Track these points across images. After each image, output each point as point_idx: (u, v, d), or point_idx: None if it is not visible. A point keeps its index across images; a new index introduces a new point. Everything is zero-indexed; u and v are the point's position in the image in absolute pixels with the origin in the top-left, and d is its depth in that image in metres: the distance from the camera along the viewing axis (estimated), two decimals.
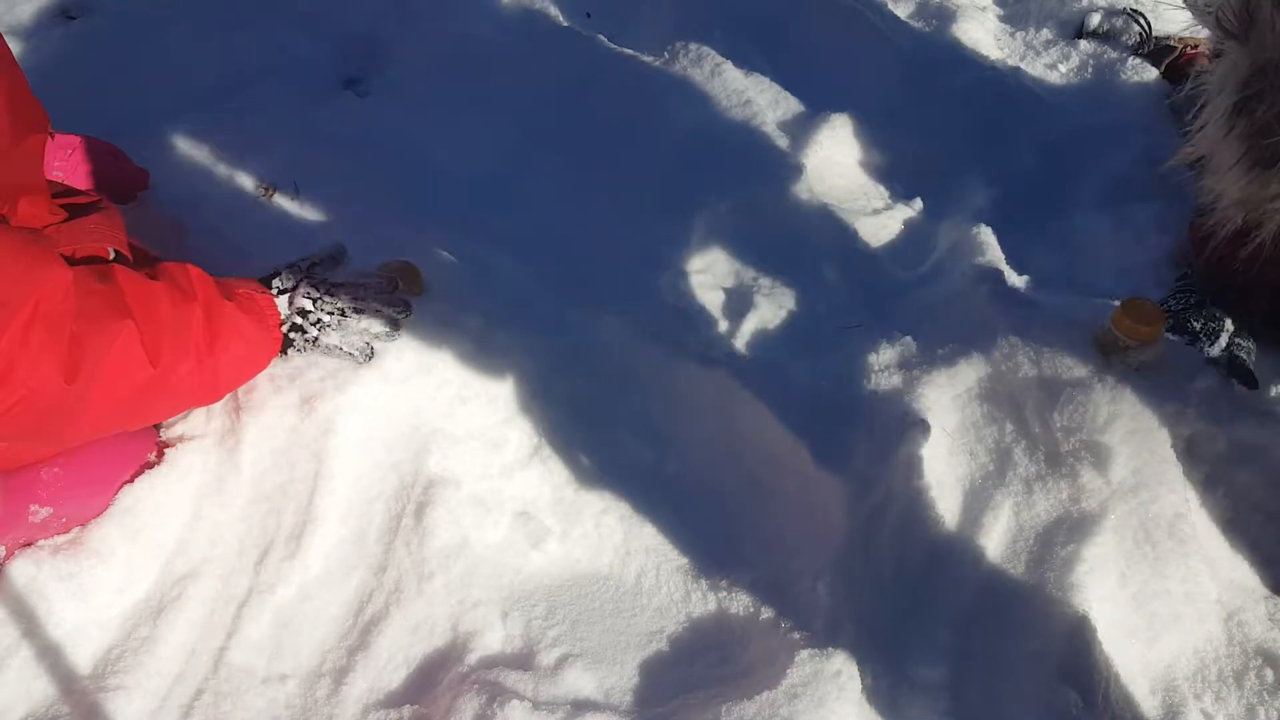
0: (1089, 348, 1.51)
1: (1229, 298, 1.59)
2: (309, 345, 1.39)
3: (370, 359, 1.41)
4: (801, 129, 2.01)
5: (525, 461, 1.43)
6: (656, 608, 1.33)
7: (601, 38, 2.19)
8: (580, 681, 1.24)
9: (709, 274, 1.76)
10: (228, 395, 1.36)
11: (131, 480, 1.29)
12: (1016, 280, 1.72)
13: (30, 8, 2.15)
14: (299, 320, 1.39)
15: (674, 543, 1.38)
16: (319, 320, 1.40)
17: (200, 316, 1.21)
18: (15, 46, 2.02)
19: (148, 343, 1.13)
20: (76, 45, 2.06)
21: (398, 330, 1.44)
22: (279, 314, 1.38)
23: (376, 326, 1.42)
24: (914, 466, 1.42)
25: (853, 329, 1.67)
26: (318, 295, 1.41)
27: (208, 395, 1.29)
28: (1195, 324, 1.58)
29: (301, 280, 1.42)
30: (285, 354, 1.40)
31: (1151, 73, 2.12)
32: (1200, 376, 1.49)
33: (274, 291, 1.39)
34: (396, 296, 1.47)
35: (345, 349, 1.40)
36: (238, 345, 1.28)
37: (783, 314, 1.70)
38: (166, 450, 1.34)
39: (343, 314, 1.41)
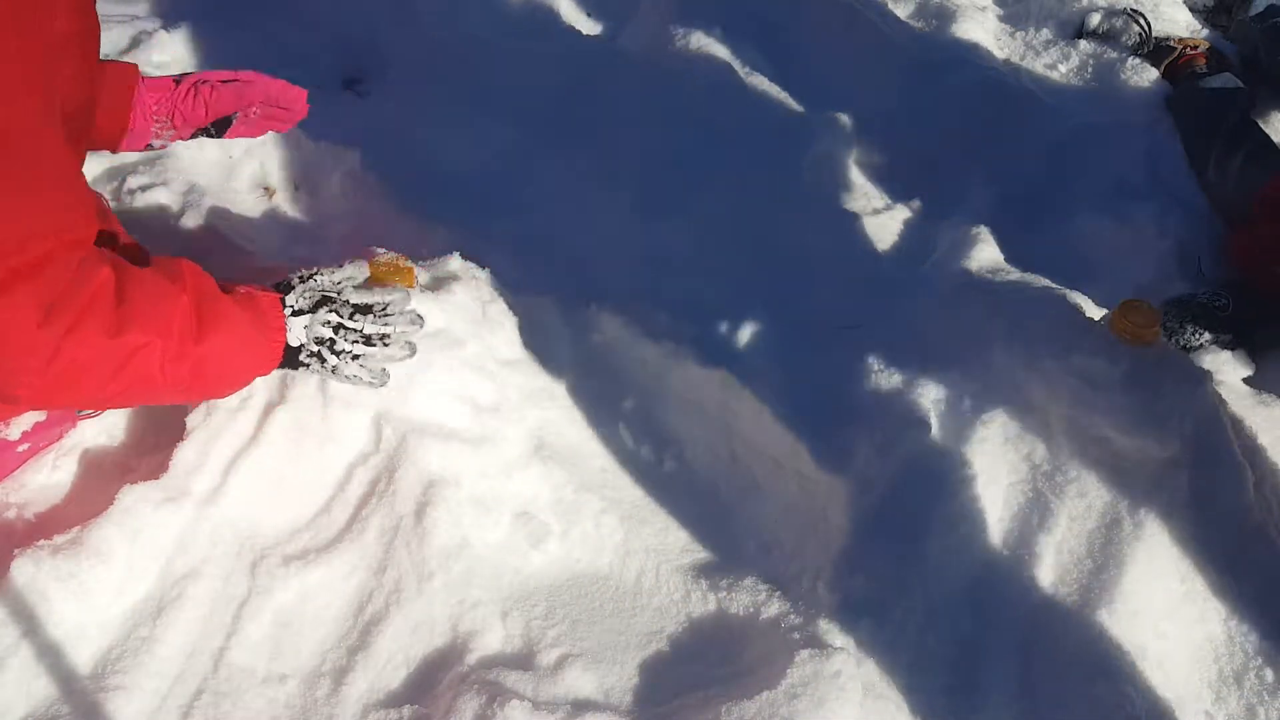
0: (1089, 348, 1.51)
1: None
2: (328, 374, 1.34)
3: (385, 384, 1.36)
4: (801, 129, 2.00)
5: (525, 461, 1.43)
6: (656, 608, 1.33)
7: (602, 38, 2.19)
8: (580, 681, 1.24)
9: (709, 274, 1.76)
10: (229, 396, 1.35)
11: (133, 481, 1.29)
12: (1016, 280, 1.71)
13: None
14: (316, 349, 1.33)
15: (674, 543, 1.38)
16: (342, 350, 1.33)
17: (186, 304, 1.17)
18: None
19: (118, 317, 1.10)
20: None
21: (414, 351, 1.38)
22: (282, 319, 1.32)
23: (398, 352, 1.36)
24: (914, 466, 1.42)
25: (852, 329, 1.67)
26: (339, 321, 1.34)
27: (188, 388, 1.23)
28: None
29: (320, 303, 1.34)
30: (295, 370, 1.35)
31: (1151, 73, 2.13)
32: (1201, 375, 1.49)
33: (288, 310, 1.33)
34: (414, 312, 1.39)
35: (364, 379, 1.35)
36: (227, 341, 1.22)
37: (783, 314, 1.69)
38: None
39: (367, 341, 1.35)
